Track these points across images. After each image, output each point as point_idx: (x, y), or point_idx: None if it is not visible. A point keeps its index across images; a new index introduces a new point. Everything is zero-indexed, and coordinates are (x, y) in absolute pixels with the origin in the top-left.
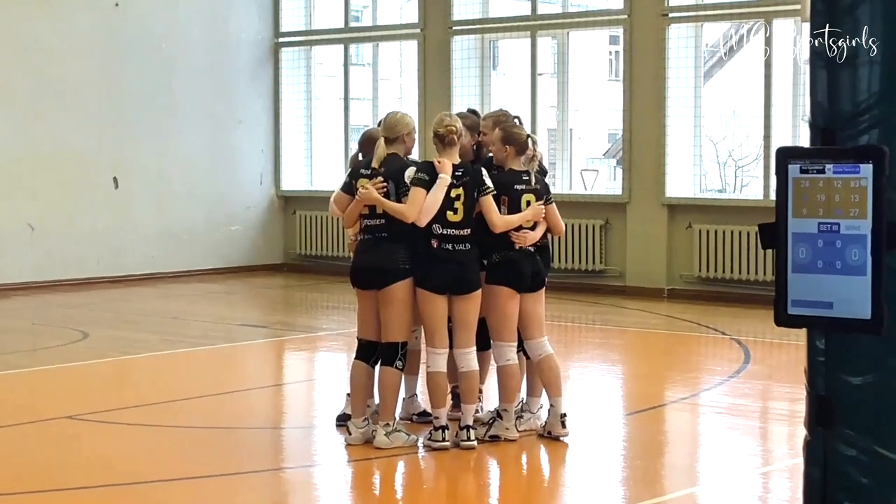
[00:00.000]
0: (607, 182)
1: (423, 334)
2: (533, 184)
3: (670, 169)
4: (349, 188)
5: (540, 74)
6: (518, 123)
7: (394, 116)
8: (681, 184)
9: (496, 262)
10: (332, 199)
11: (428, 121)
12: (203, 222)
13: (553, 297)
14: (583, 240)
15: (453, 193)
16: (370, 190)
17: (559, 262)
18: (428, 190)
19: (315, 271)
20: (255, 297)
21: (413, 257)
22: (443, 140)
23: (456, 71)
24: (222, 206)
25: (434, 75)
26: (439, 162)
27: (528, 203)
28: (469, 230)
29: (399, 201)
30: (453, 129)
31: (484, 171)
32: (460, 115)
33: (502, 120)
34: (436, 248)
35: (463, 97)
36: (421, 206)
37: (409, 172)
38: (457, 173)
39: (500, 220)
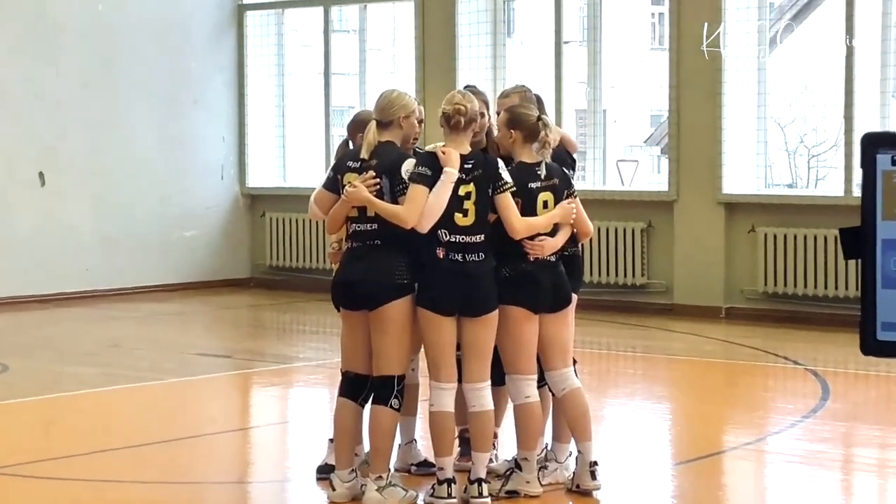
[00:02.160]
0: (650, 175)
1: (420, 365)
2: (548, 178)
3: (728, 159)
4: (333, 185)
5: (566, 42)
6: (537, 101)
7: (388, 95)
8: (741, 177)
9: (507, 276)
10: (312, 198)
11: (429, 102)
12: (151, 227)
13: (583, 317)
14: (620, 247)
15: (462, 191)
16: (359, 188)
17: (590, 274)
18: (430, 187)
19: (289, 287)
20: (215, 319)
21: (413, 270)
22: (448, 121)
23: (462, 39)
24: (174, 207)
25: (435, 45)
26: (443, 152)
27: (546, 204)
28: (482, 236)
29: (395, 201)
30: (462, 108)
31: (500, 163)
32: (470, 89)
33: (528, 97)
34: (442, 259)
35: (471, 71)
36: (422, 208)
37: (408, 165)
38: (466, 166)
39: (520, 223)
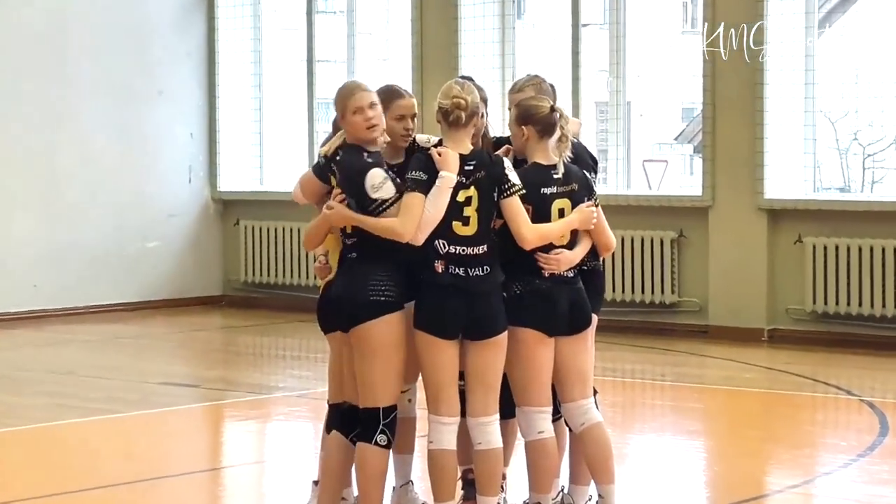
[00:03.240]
0: (681, 178)
1: (418, 396)
2: (566, 182)
3: (771, 158)
4: (323, 172)
5: (585, 25)
6: (552, 91)
7: (347, 85)
8: (786, 180)
9: (518, 294)
10: (297, 181)
11: (427, 93)
12: (107, 237)
13: (605, 341)
14: (646, 260)
15: (461, 196)
16: (338, 208)
17: (613, 291)
18: (427, 193)
19: (268, 306)
20: (182, 343)
21: (400, 285)
22: (446, 117)
23: (465, 21)
24: (134, 215)
25: (435, 28)
26: (439, 153)
27: (562, 212)
28: (486, 247)
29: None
30: (461, 101)
31: (507, 162)
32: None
33: (544, 89)
34: (441, 274)
35: (476, 58)
36: (419, 218)
37: (374, 180)
38: (467, 167)
39: (531, 232)
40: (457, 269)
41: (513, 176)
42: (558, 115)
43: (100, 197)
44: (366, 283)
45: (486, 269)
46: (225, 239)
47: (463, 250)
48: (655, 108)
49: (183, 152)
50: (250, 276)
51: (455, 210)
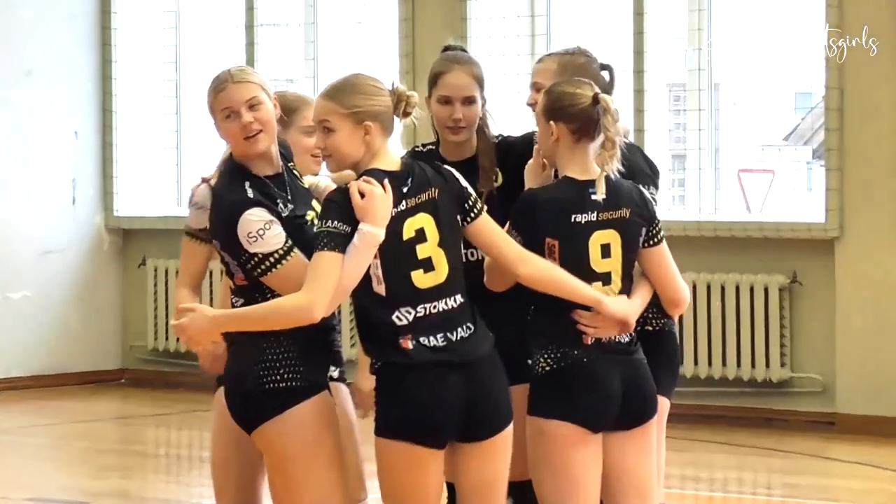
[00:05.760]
0: (794, 196)
1: None
2: (613, 206)
3: None
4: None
5: None
6: (606, 77)
7: (218, 76)
8: None
9: (548, 371)
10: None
11: (420, 75)
12: None
13: (683, 436)
14: (744, 319)
15: (408, 231)
16: (193, 317)
17: (696, 364)
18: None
19: (185, 385)
20: (61, 440)
21: (304, 361)
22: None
23: None
24: None
25: None
26: (360, 192)
27: (606, 250)
28: (461, 295)
29: (256, 284)
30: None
31: (455, 173)
32: (450, 55)
33: (580, 65)
34: (413, 350)
35: (493, 20)
36: (333, 287)
37: (250, 225)
38: (403, 188)
39: (522, 262)
40: (433, 339)
41: (468, 186)
42: (602, 109)
43: None
44: (248, 366)
45: (469, 327)
46: (125, 287)
47: (434, 308)
48: (756, 95)
49: (64, 160)
50: (161, 341)
51: (407, 254)
